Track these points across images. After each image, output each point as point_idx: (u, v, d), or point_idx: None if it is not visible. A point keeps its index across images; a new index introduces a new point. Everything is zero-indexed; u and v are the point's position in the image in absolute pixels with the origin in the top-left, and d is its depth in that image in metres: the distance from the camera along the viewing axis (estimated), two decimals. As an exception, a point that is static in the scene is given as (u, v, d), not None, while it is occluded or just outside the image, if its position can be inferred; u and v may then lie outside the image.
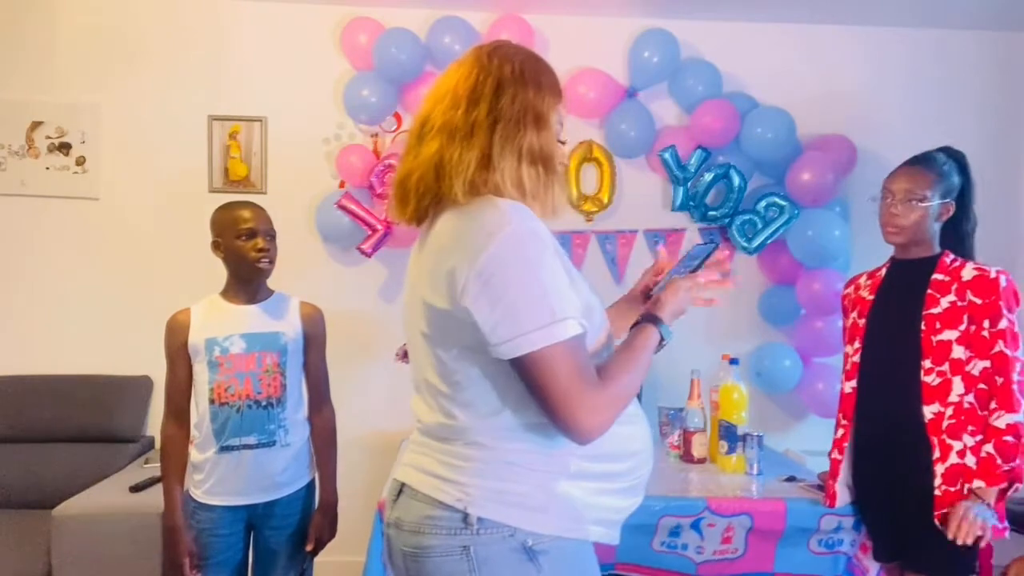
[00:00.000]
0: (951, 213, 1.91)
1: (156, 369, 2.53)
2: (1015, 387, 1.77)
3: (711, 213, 3.09)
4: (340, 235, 3.01)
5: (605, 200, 3.15)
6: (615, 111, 3.10)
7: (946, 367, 1.83)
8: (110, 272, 3.07)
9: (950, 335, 1.83)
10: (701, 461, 2.50)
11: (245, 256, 1.95)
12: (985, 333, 1.81)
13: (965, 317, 1.83)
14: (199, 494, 1.96)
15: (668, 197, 3.15)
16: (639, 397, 1.38)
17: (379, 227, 2.94)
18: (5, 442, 2.85)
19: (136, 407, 2.98)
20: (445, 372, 1.20)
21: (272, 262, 2.00)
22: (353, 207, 2.91)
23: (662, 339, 1.28)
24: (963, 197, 1.92)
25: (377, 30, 2.98)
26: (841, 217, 3.04)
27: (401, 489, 1.26)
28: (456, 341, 1.17)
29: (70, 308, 3.06)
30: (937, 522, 1.78)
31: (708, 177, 3.03)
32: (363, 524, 2.19)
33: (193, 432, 1.99)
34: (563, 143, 1.29)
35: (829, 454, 2.07)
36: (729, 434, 2.41)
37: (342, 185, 3.05)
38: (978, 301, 1.82)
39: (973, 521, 1.70)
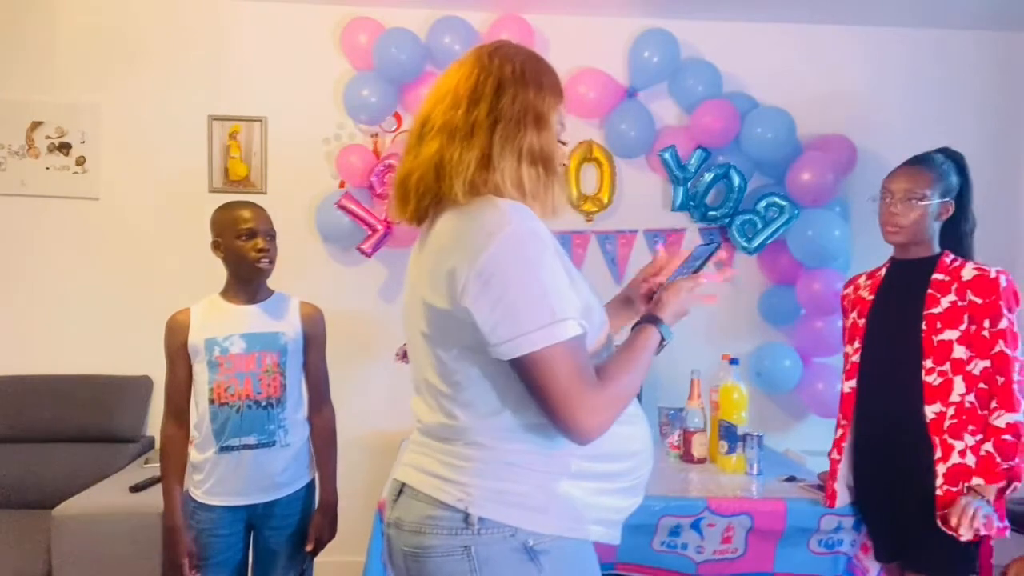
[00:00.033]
0: (950, 212, 1.91)
1: (156, 369, 2.53)
2: (1015, 387, 1.78)
3: (711, 213, 3.09)
4: (340, 235, 3.01)
5: (605, 200, 3.15)
6: (615, 111, 3.10)
7: (947, 367, 1.83)
8: (110, 272, 3.07)
9: (951, 335, 1.83)
10: (701, 461, 2.50)
11: (245, 256, 1.95)
12: (985, 333, 1.81)
13: (966, 317, 1.83)
14: (199, 494, 1.96)
15: (668, 197, 3.15)
16: (639, 397, 1.38)
17: (379, 227, 2.94)
18: (5, 442, 2.85)
19: (136, 407, 2.99)
20: (445, 372, 1.20)
21: (272, 262, 2.00)
22: (353, 207, 2.91)
23: (663, 340, 1.28)
24: (961, 197, 1.93)
25: (377, 30, 2.98)
26: (841, 217, 3.04)
27: (401, 489, 1.26)
28: (456, 341, 1.17)
29: (70, 308, 3.06)
30: (939, 522, 1.78)
31: (708, 177, 3.03)
32: (363, 524, 2.20)
33: (193, 432, 1.99)
34: (563, 144, 1.28)
35: (829, 454, 2.07)
36: (729, 434, 2.41)
37: (342, 185, 3.05)
38: (978, 301, 1.82)
39: (975, 514, 1.70)
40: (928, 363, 1.85)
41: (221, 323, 1.96)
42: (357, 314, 3.09)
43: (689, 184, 3.06)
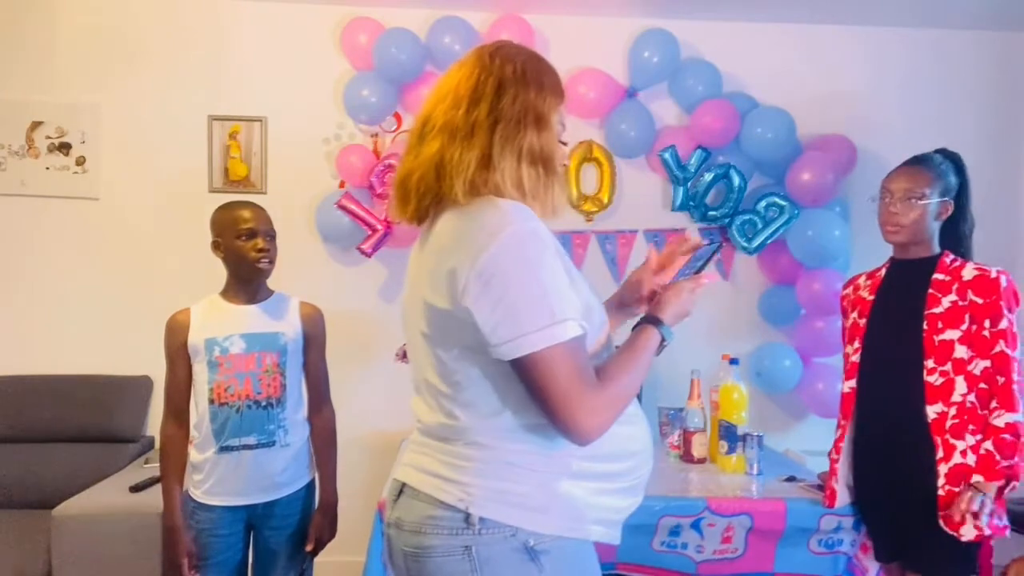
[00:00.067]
0: (950, 212, 1.92)
1: (156, 369, 2.52)
2: (1015, 387, 1.78)
3: (711, 213, 3.09)
4: (340, 235, 3.01)
5: (605, 200, 3.15)
6: (615, 111, 3.10)
7: (949, 367, 1.83)
8: (110, 272, 3.07)
9: (952, 335, 1.83)
10: (701, 461, 2.51)
11: (245, 256, 1.95)
12: (986, 333, 1.81)
13: (966, 317, 1.83)
14: (199, 494, 1.96)
15: (668, 197, 3.15)
16: (639, 397, 1.38)
17: (379, 227, 2.94)
18: (5, 442, 2.85)
19: (136, 407, 2.98)
20: (445, 372, 1.20)
21: (272, 262, 2.00)
22: (353, 207, 2.91)
23: (663, 341, 1.28)
24: (960, 198, 1.93)
25: (377, 30, 2.98)
26: (841, 217, 3.04)
27: (402, 489, 1.26)
28: (456, 341, 1.17)
29: (70, 308, 3.06)
30: (941, 522, 1.78)
31: (708, 177, 3.03)
32: (363, 524, 2.20)
33: (193, 432, 1.99)
34: (564, 144, 1.28)
35: (829, 454, 2.07)
36: (729, 434, 2.41)
37: (342, 185, 3.05)
38: (979, 301, 1.82)
39: (979, 508, 1.71)
40: (930, 363, 1.85)
41: (221, 323, 1.96)
42: (357, 314, 3.09)
43: (689, 184, 3.06)
